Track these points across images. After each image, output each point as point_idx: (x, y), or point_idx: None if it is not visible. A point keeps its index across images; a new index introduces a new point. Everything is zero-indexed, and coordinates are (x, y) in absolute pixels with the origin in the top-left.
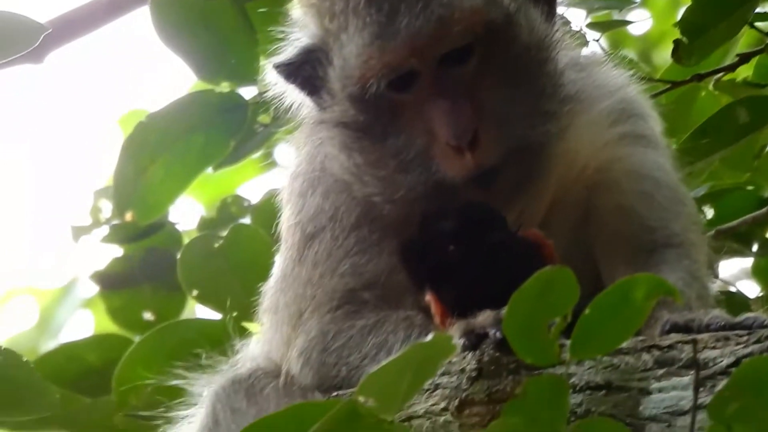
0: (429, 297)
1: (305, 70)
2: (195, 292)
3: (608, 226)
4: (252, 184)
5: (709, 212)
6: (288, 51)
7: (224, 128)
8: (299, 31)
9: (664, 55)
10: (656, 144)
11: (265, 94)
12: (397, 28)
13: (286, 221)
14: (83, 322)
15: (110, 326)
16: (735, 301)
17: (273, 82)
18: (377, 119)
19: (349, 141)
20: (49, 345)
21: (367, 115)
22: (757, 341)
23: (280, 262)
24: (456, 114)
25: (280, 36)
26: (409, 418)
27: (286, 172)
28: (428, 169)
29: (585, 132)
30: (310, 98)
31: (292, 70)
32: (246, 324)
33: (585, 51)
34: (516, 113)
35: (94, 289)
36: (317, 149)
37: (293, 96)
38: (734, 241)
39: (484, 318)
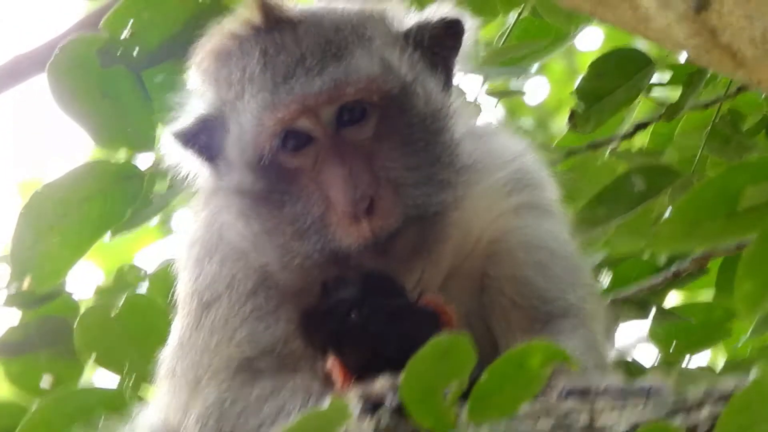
0: (331, 362)
1: (202, 139)
2: (91, 361)
3: (504, 296)
4: (150, 249)
5: (606, 279)
6: (184, 119)
7: (121, 197)
8: (196, 99)
9: (561, 124)
10: (552, 213)
11: (161, 163)
12: (291, 88)
13: (182, 288)
14: None
15: (8, 394)
16: (632, 369)
17: (170, 150)
18: (274, 186)
19: (246, 209)
20: None
21: (265, 182)
22: (654, 407)
23: (177, 329)
24: (352, 181)
25: (177, 104)
26: None
27: (182, 240)
28: (324, 236)
29: (481, 202)
30: (207, 166)
31: (189, 139)
32: (143, 391)
33: (481, 119)
34: (412, 181)
35: None
36: (214, 216)
37: (190, 164)
38: (631, 309)
39: (380, 384)
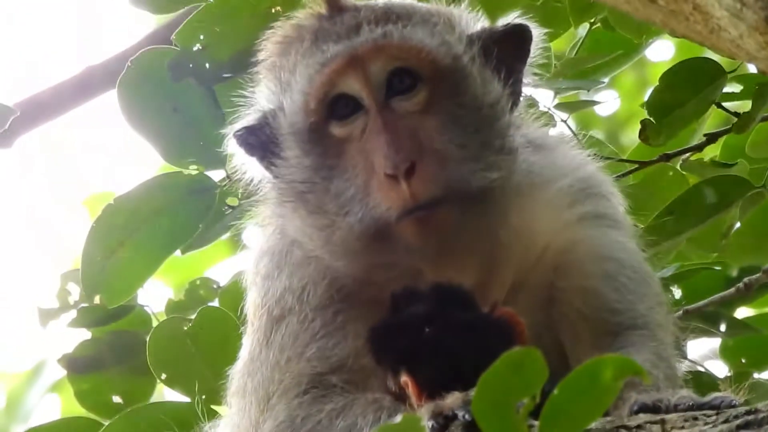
0: (405, 379)
1: (264, 134)
2: (164, 376)
3: (573, 308)
4: (221, 266)
5: (677, 292)
6: (247, 117)
7: (192, 211)
8: (259, 95)
9: (631, 136)
10: (619, 223)
11: (233, 176)
12: (338, 49)
13: (252, 303)
14: (51, 407)
15: (78, 410)
16: (703, 381)
17: (234, 154)
18: (322, 161)
19: (296, 195)
20: (17, 430)
21: (313, 157)
22: (725, 421)
23: (247, 345)
24: (395, 145)
25: (241, 104)
26: None
27: (251, 253)
28: (366, 204)
29: (544, 212)
30: (268, 169)
31: (252, 138)
32: (215, 407)
33: (553, 131)
34: (458, 157)
35: (63, 372)
36: (282, 228)
37: (254, 168)
38: (702, 321)
39: (452, 399)
